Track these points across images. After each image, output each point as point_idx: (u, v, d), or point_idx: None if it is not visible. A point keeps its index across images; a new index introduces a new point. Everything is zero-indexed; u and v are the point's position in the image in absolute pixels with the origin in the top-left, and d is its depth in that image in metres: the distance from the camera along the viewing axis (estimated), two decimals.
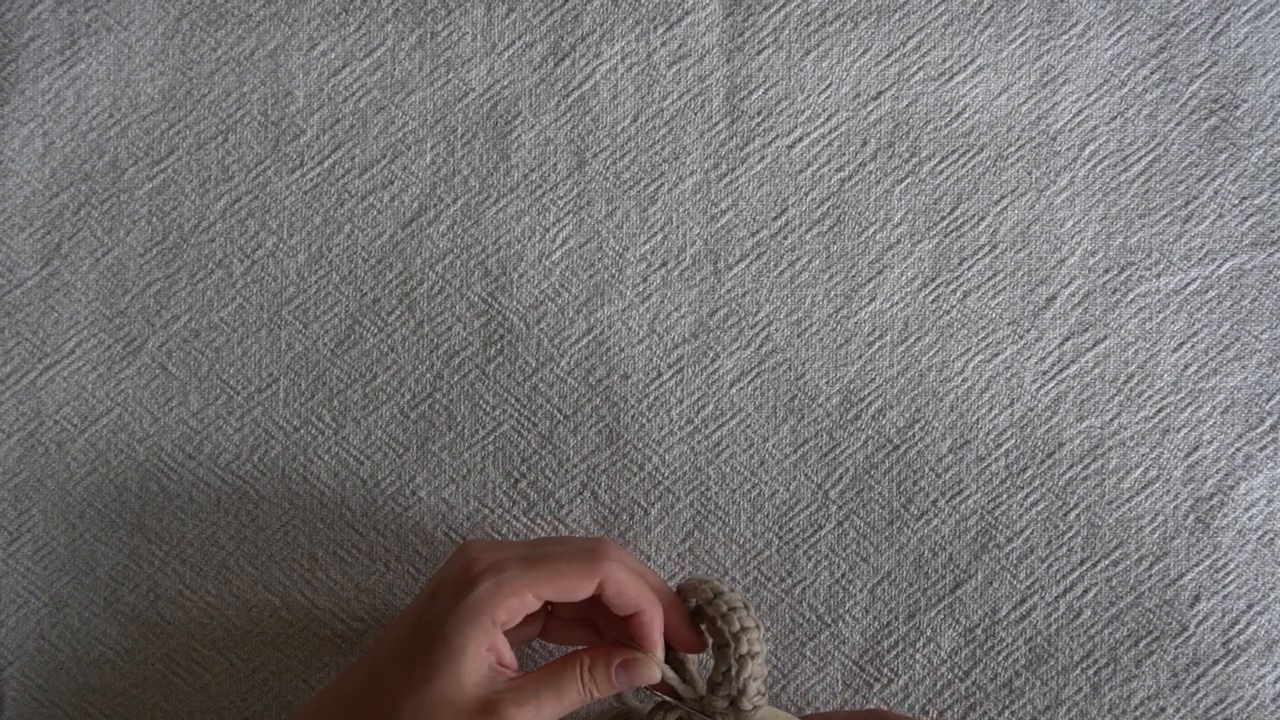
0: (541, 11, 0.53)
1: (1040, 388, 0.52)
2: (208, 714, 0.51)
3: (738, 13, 0.53)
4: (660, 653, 0.44)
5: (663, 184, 0.53)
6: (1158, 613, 0.51)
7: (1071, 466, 0.52)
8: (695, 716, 0.45)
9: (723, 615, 0.45)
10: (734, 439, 0.52)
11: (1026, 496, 0.52)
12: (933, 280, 0.53)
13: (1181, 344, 0.53)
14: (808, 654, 0.52)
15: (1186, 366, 0.52)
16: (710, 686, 0.45)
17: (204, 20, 0.53)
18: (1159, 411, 0.52)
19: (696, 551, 0.52)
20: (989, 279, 0.53)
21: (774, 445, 0.52)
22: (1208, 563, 0.52)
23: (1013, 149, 0.53)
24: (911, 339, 0.53)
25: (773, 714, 0.45)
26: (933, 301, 0.53)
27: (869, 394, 0.52)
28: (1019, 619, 0.52)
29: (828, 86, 0.53)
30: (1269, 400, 0.52)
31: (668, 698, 0.46)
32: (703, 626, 0.46)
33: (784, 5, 0.53)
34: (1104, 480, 0.52)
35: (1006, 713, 0.51)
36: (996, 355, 0.53)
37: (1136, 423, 0.52)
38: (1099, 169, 0.53)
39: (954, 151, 0.53)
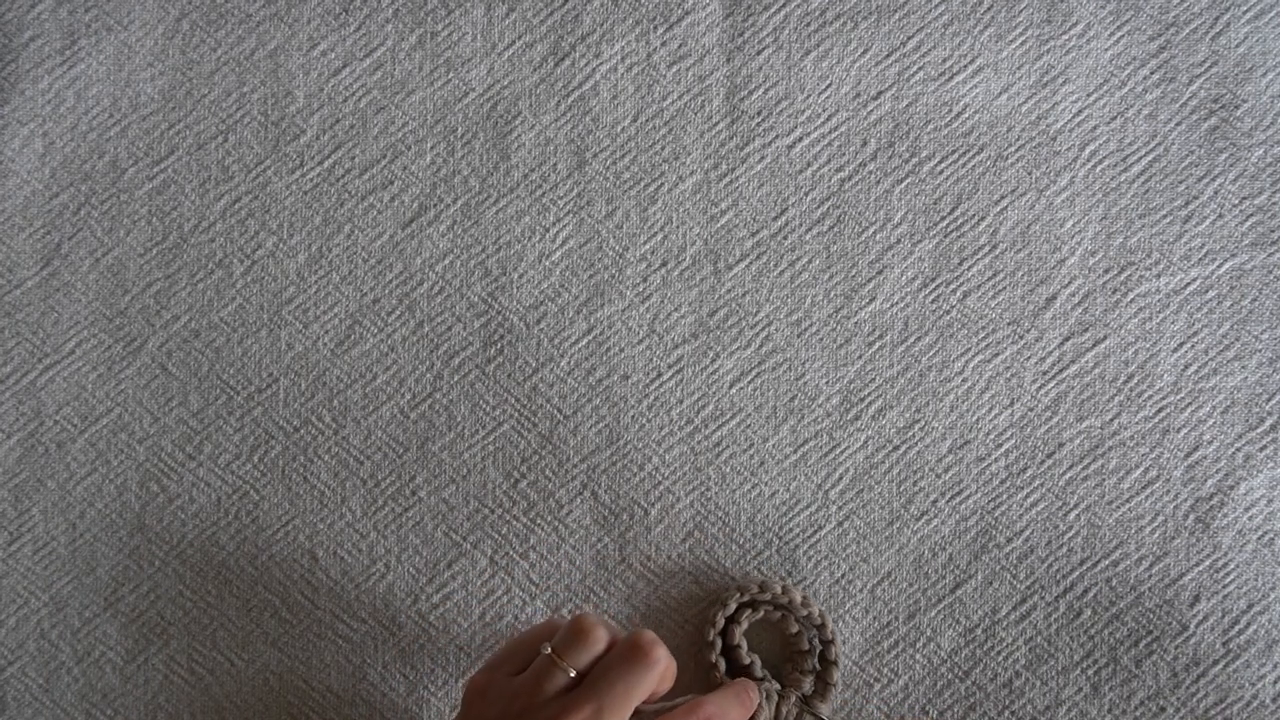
0: (541, 11, 0.53)
1: (1040, 388, 0.52)
2: (208, 714, 0.51)
3: (738, 13, 0.53)
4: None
5: (663, 184, 0.53)
6: (1158, 613, 0.51)
7: (1071, 466, 0.52)
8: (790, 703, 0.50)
9: (803, 600, 0.50)
10: (734, 439, 0.52)
11: (1026, 496, 0.52)
12: (933, 280, 0.53)
13: (1181, 344, 0.53)
14: None
15: (1186, 366, 0.52)
16: (790, 681, 0.50)
17: (204, 20, 0.53)
18: (1159, 411, 0.52)
19: (696, 551, 0.52)
20: (989, 279, 0.53)
21: (774, 445, 0.52)
22: (1208, 563, 0.52)
23: (1013, 149, 0.53)
24: (911, 339, 0.53)
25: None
26: (933, 301, 0.53)
27: (869, 394, 0.52)
28: (1019, 619, 0.52)
29: (828, 86, 0.53)
30: (1269, 400, 0.52)
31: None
32: (750, 618, 0.50)
33: (784, 5, 0.53)
34: (1104, 480, 0.52)
35: (1006, 713, 0.51)
36: (996, 355, 0.53)
37: (1136, 423, 0.52)
38: (1099, 169, 0.53)
39: (954, 151, 0.53)
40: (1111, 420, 0.52)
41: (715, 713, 0.44)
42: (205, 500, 0.52)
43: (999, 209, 0.53)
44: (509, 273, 0.53)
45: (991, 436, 0.52)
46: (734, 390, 0.53)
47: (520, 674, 0.44)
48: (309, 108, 0.53)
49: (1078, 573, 0.52)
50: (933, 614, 0.52)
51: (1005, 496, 0.52)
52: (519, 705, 0.43)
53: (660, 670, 0.43)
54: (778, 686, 0.49)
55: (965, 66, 0.53)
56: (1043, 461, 0.52)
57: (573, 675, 0.43)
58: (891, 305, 0.53)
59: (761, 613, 0.50)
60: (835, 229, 0.53)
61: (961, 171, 0.53)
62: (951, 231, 0.53)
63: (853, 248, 0.53)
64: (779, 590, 0.50)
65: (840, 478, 0.52)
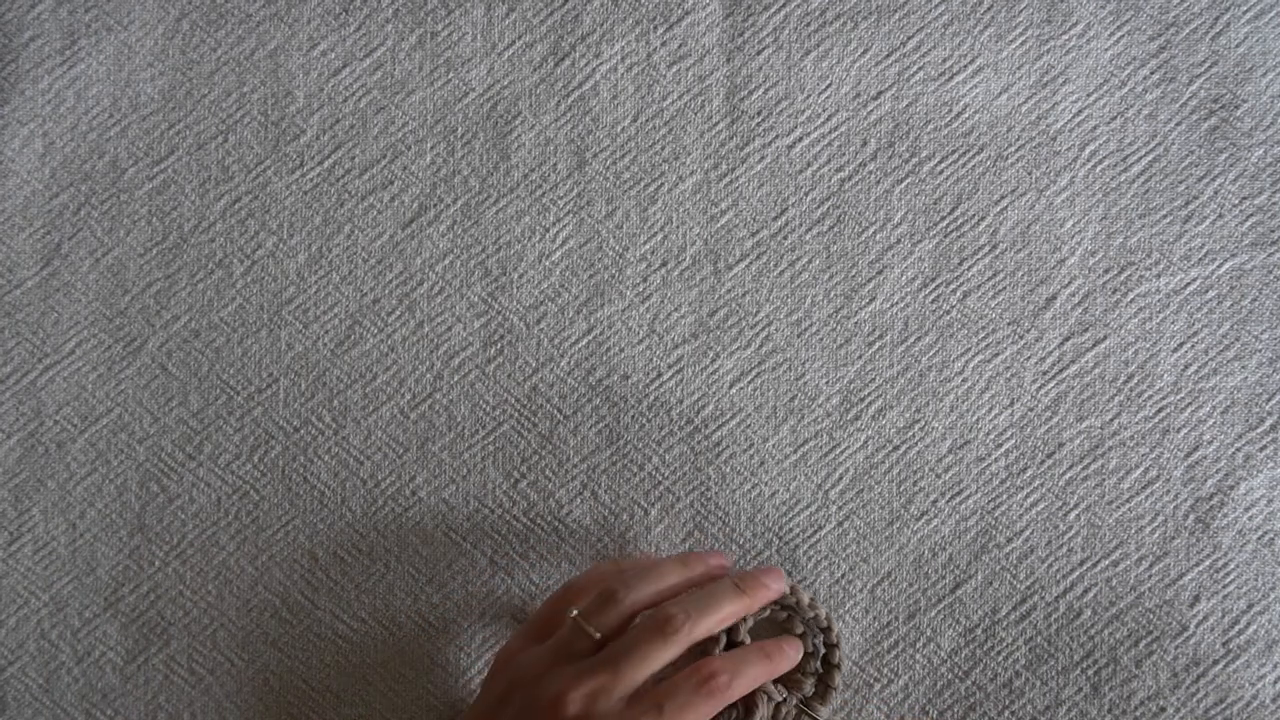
0: (541, 11, 0.53)
1: (1040, 388, 0.52)
2: (208, 714, 0.51)
3: (738, 13, 0.53)
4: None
5: (663, 184, 0.53)
6: (1158, 613, 0.51)
7: (1071, 466, 0.52)
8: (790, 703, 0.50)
9: (809, 602, 0.49)
10: (734, 439, 0.52)
11: (1026, 496, 0.52)
12: (933, 280, 0.53)
13: (1181, 344, 0.53)
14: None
15: (1186, 366, 0.52)
16: (791, 682, 0.49)
17: (204, 20, 0.53)
18: (1159, 411, 0.52)
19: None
20: (989, 279, 0.53)
21: (774, 445, 0.52)
22: (1208, 563, 0.52)
23: (1013, 149, 0.53)
24: (911, 339, 0.53)
25: None
26: (933, 301, 0.53)
27: (869, 394, 0.52)
28: (1019, 619, 0.52)
29: (828, 86, 0.53)
30: (1269, 400, 0.52)
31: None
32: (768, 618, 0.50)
33: (784, 5, 0.53)
34: (1104, 480, 0.52)
35: (1006, 713, 0.51)
36: (996, 355, 0.53)
37: (1136, 423, 0.52)
38: (1099, 169, 0.53)
39: (954, 151, 0.53)
40: (1111, 420, 0.52)
41: (721, 668, 0.44)
42: (205, 500, 0.52)
43: (999, 209, 0.53)
44: (509, 273, 0.53)
45: (991, 436, 0.52)
46: (734, 390, 0.53)
47: (548, 638, 0.45)
48: (309, 108, 0.53)
49: (1078, 573, 0.52)
50: (933, 614, 0.52)
51: (1005, 496, 0.52)
52: (539, 669, 0.44)
53: (679, 644, 0.43)
54: (783, 693, 0.49)
55: (965, 66, 0.53)
56: (1043, 461, 0.52)
57: (597, 638, 0.44)
58: (891, 305, 0.53)
59: (768, 611, 0.50)
60: (835, 229, 0.53)
61: (961, 171, 0.53)
62: (951, 231, 0.53)
63: (853, 248, 0.53)
64: (787, 590, 0.49)
65: (840, 478, 0.52)
